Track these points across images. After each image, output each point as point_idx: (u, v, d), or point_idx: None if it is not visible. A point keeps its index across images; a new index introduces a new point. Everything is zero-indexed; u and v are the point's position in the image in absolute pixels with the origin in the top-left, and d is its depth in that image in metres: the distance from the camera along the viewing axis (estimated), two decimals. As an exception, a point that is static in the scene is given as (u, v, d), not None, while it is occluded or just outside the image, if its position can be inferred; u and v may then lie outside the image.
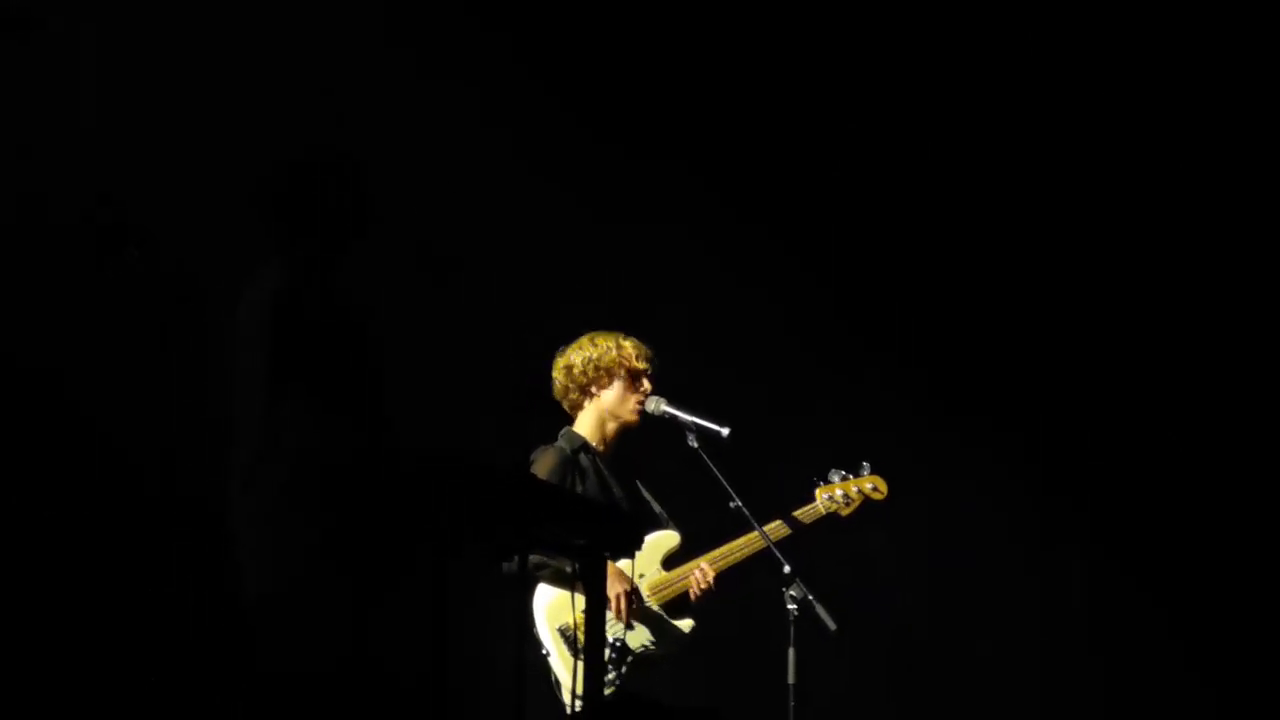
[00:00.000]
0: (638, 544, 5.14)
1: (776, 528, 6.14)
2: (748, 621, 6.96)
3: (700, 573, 6.07)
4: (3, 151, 6.28)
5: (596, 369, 6.19)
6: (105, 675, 6.03)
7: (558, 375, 6.27)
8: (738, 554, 6.13)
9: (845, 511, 6.34)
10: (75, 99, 6.41)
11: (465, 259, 7.03)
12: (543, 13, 7.44)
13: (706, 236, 7.76)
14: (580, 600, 5.15)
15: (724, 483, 6.01)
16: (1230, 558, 7.95)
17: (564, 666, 5.82)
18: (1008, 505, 8.03)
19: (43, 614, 6.00)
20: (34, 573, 6.03)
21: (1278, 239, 8.02)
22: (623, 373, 6.18)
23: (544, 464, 6.05)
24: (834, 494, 6.32)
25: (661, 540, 6.15)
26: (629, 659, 5.96)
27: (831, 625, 5.85)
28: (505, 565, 5.54)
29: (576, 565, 4.99)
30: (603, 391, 6.20)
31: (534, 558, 5.74)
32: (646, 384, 6.19)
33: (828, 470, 6.35)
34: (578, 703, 5.06)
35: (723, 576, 6.10)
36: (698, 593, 6.06)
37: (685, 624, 6.08)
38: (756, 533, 6.05)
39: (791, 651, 5.91)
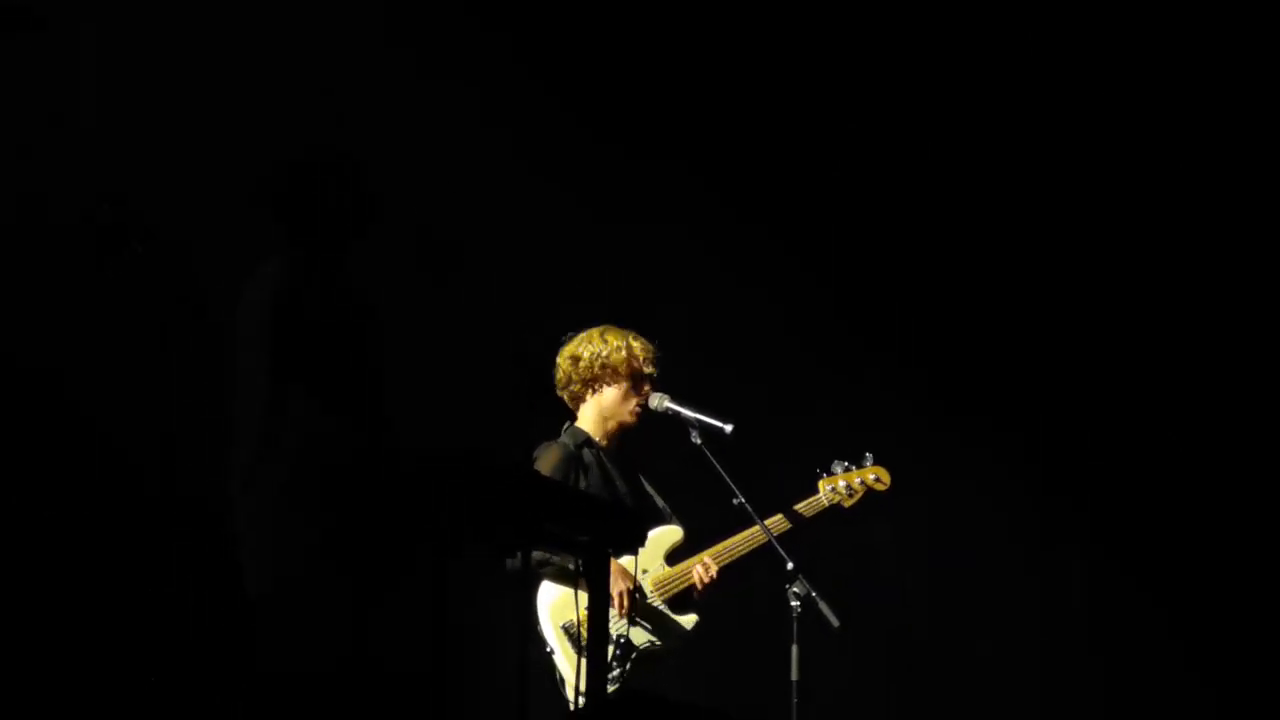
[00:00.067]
0: (640, 540, 5.14)
1: (778, 521, 6.14)
2: (751, 618, 6.97)
3: (703, 568, 6.07)
4: (3, 151, 6.27)
5: (603, 367, 6.17)
6: (106, 675, 6.03)
7: (563, 364, 6.24)
8: (740, 549, 6.13)
9: (848, 503, 6.33)
10: (75, 98, 6.40)
11: (466, 258, 7.03)
12: (542, 13, 7.44)
13: (707, 236, 7.76)
14: (584, 597, 5.15)
15: (727, 479, 6.01)
16: (1230, 557, 7.95)
17: (568, 664, 5.81)
18: (1008, 505, 8.03)
19: (43, 614, 6.00)
20: (34, 573, 6.02)
21: (1277, 239, 8.01)
22: (627, 375, 6.17)
23: (547, 460, 6.04)
24: (836, 485, 6.32)
25: (665, 535, 6.15)
26: (633, 655, 5.96)
27: (835, 622, 5.85)
28: (509, 562, 5.53)
29: (579, 562, 4.99)
30: (605, 389, 6.19)
31: (537, 555, 5.74)
32: (648, 388, 6.18)
33: (830, 462, 6.35)
34: (581, 699, 5.05)
35: (725, 572, 6.10)
36: (701, 588, 6.06)
37: (689, 619, 6.08)
38: (758, 527, 6.05)
39: (795, 648, 5.91)
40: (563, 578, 5.82)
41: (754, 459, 6.23)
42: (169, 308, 6.25)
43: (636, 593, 5.94)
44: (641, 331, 6.25)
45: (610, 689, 5.74)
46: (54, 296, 6.24)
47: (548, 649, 5.88)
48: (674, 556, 6.14)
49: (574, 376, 6.21)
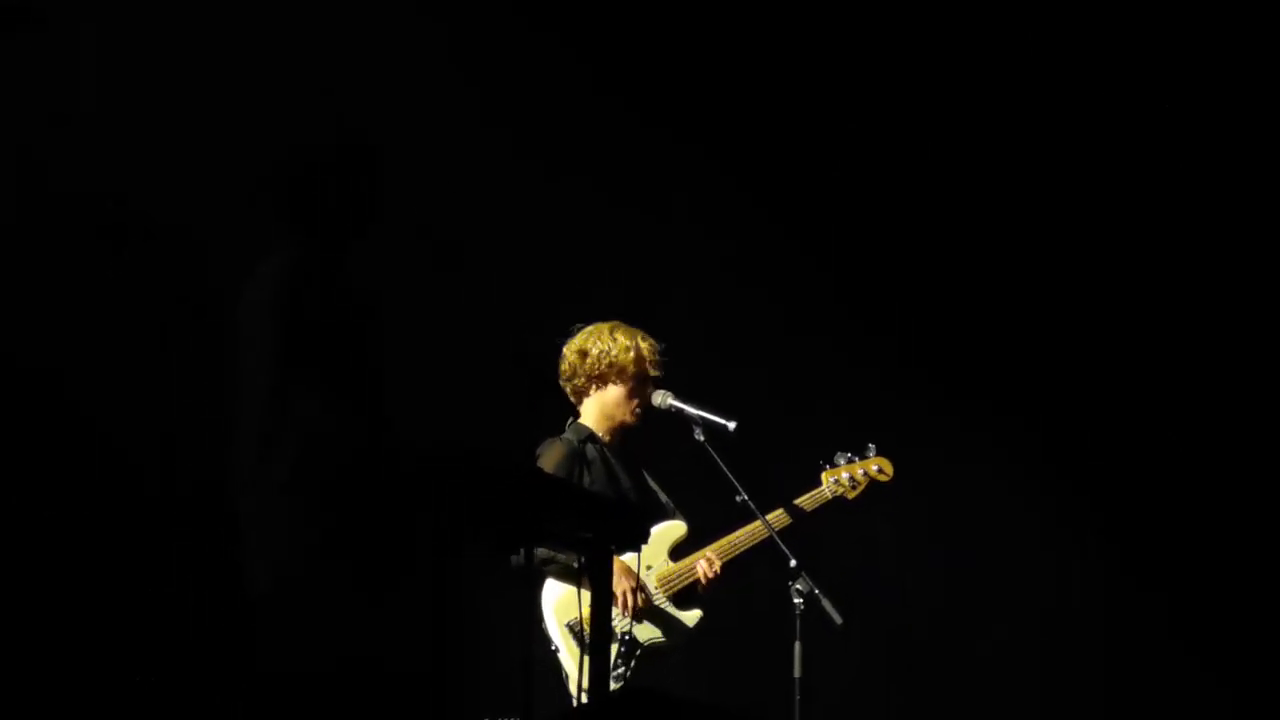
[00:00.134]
0: (644, 537, 5.11)
1: (779, 516, 6.13)
2: (753, 616, 6.96)
3: (706, 563, 6.07)
4: (3, 151, 6.27)
5: (610, 365, 6.16)
6: (106, 675, 6.02)
7: (570, 356, 6.22)
8: (743, 543, 6.11)
9: (851, 494, 6.33)
10: (75, 97, 6.40)
11: (470, 252, 7.02)
12: (543, 11, 7.43)
13: (708, 232, 7.75)
14: (588, 595, 5.14)
15: (730, 476, 6.01)
16: (1238, 554, 7.92)
17: (573, 661, 5.80)
18: (1012, 501, 8.02)
19: (43, 614, 5.99)
20: (34, 573, 6.02)
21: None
22: (633, 375, 6.16)
23: (550, 457, 6.03)
24: (839, 477, 6.32)
25: (669, 531, 6.14)
26: (637, 652, 5.96)
27: (838, 619, 5.83)
28: (513, 559, 5.53)
29: (582, 559, 4.98)
30: (609, 387, 6.18)
31: (542, 553, 5.74)
32: (651, 389, 6.17)
33: (833, 453, 6.34)
34: (584, 696, 5.04)
35: (728, 568, 6.09)
36: (705, 584, 6.06)
37: (693, 615, 6.07)
38: (759, 522, 6.04)
39: (797, 646, 5.91)
40: (567, 575, 5.81)
41: (757, 456, 6.22)
42: (169, 308, 6.26)
43: (640, 591, 5.94)
44: (643, 327, 6.24)
45: (614, 686, 5.74)
46: (54, 296, 6.23)
47: (552, 647, 5.87)
48: (678, 552, 6.13)
49: (580, 371, 6.20)
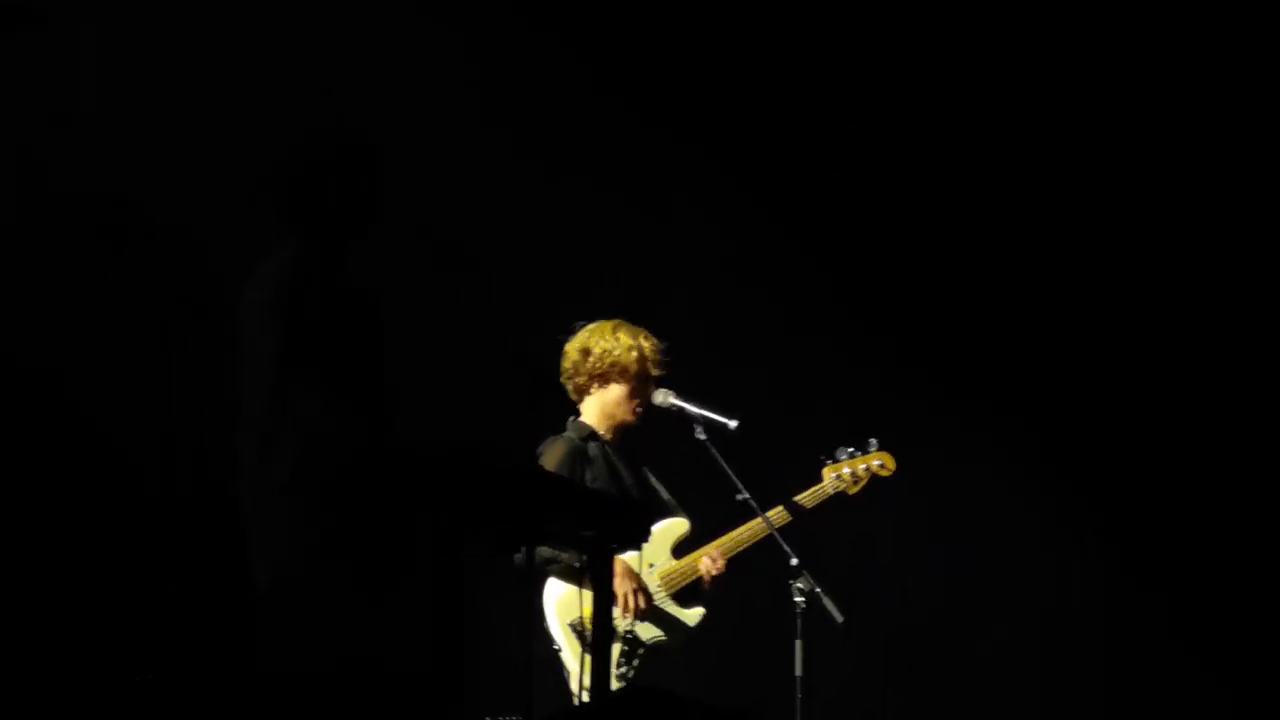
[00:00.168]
0: (645, 535, 5.11)
1: (779, 514, 6.12)
2: (755, 614, 6.95)
3: (710, 560, 6.06)
4: (3, 151, 6.27)
5: (612, 365, 6.15)
6: (106, 674, 6.02)
7: (572, 354, 6.22)
8: (745, 540, 6.11)
9: (853, 490, 6.33)
10: (75, 97, 6.40)
11: (470, 252, 7.02)
12: (544, 9, 7.43)
13: (710, 230, 7.75)
14: (589, 594, 5.14)
15: (731, 475, 6.01)
16: (1237, 553, 7.92)
17: (575, 661, 5.79)
18: (1012, 501, 8.01)
19: (43, 614, 5.99)
20: (34, 573, 6.02)
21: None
22: (635, 375, 6.15)
23: (552, 456, 6.03)
24: (841, 472, 6.32)
25: (671, 528, 6.13)
26: (640, 651, 5.96)
27: (839, 618, 5.84)
28: (516, 557, 5.52)
29: (584, 557, 4.98)
30: (610, 386, 6.18)
31: (545, 552, 5.74)
32: (652, 389, 6.17)
33: (835, 448, 6.34)
34: (586, 695, 5.04)
35: (730, 566, 6.10)
36: (709, 581, 6.06)
37: (696, 613, 6.07)
38: (760, 519, 6.04)
39: (799, 644, 5.91)
40: (570, 575, 5.81)
41: (757, 455, 6.22)
42: (169, 308, 6.26)
43: (641, 592, 5.93)
44: (643, 327, 6.23)
45: (618, 685, 5.74)
46: (54, 296, 6.23)
47: (555, 647, 5.87)
48: (681, 549, 6.13)
49: (581, 369, 6.20)
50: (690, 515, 6.21)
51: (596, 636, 4.91)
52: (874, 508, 6.53)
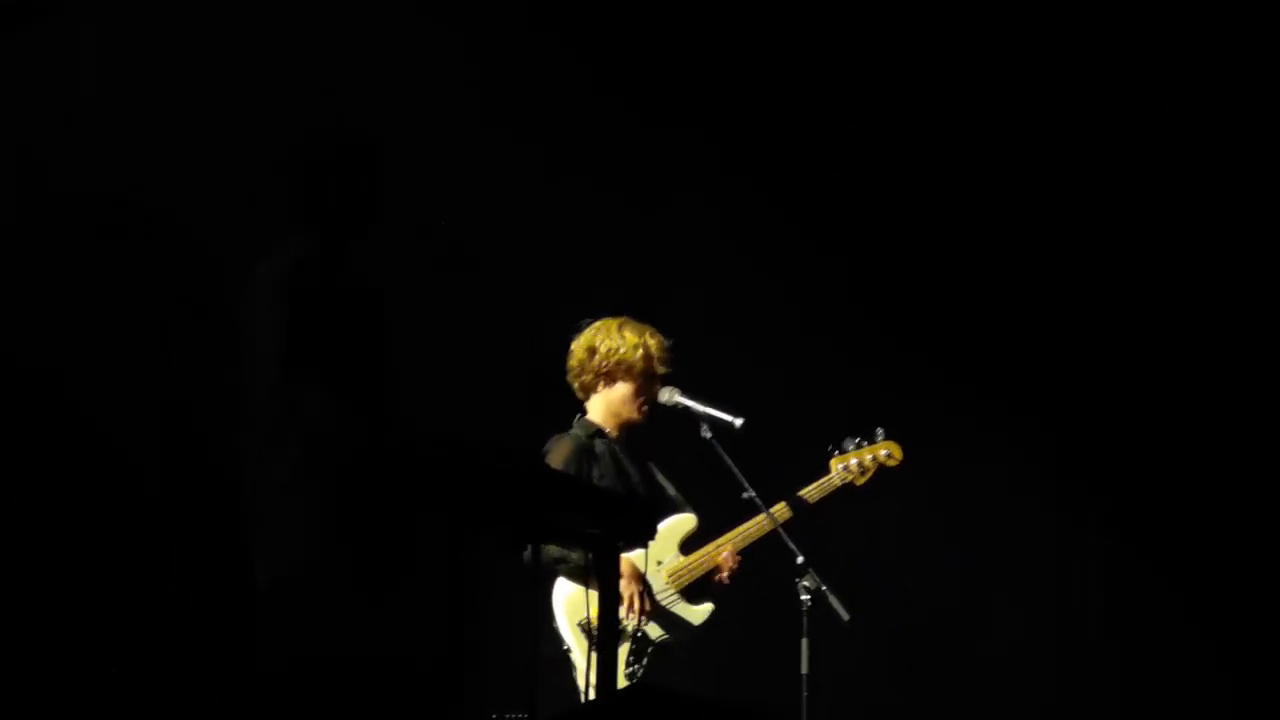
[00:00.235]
0: (651, 533, 5.11)
1: (782, 509, 6.11)
2: (760, 611, 6.95)
3: (728, 555, 6.06)
4: (3, 151, 6.27)
5: (618, 363, 6.15)
6: (106, 674, 6.02)
7: (578, 352, 6.21)
8: (753, 534, 6.10)
9: (860, 481, 6.31)
10: (76, 96, 6.40)
11: (471, 251, 7.02)
12: (548, 6, 7.43)
13: (717, 225, 7.75)
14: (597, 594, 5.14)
15: (737, 473, 6.00)
16: (1254, 554, 7.91)
17: (584, 661, 5.78)
18: (1027, 501, 8.02)
19: (43, 614, 5.99)
20: (34, 573, 6.01)
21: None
22: (641, 373, 6.15)
23: (559, 454, 6.02)
24: (849, 463, 6.30)
25: (679, 525, 6.13)
26: (650, 650, 5.95)
27: (845, 615, 5.83)
28: (524, 556, 5.51)
29: (590, 555, 4.98)
30: (616, 384, 6.17)
31: (554, 552, 5.73)
32: (658, 386, 6.16)
33: (842, 438, 6.33)
34: (593, 693, 5.04)
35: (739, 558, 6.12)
36: (724, 577, 6.05)
37: (704, 609, 6.07)
38: (764, 515, 6.03)
39: (804, 641, 5.90)
40: (579, 575, 5.80)
41: (766, 454, 6.22)
42: (169, 308, 6.26)
43: (646, 593, 5.92)
44: (654, 319, 6.22)
45: (627, 684, 5.74)
46: (54, 296, 6.22)
47: (564, 647, 5.86)
48: (688, 545, 6.12)
49: (587, 367, 6.19)
50: (696, 513, 6.20)
51: (602, 633, 4.90)
52: (884, 502, 6.51)
